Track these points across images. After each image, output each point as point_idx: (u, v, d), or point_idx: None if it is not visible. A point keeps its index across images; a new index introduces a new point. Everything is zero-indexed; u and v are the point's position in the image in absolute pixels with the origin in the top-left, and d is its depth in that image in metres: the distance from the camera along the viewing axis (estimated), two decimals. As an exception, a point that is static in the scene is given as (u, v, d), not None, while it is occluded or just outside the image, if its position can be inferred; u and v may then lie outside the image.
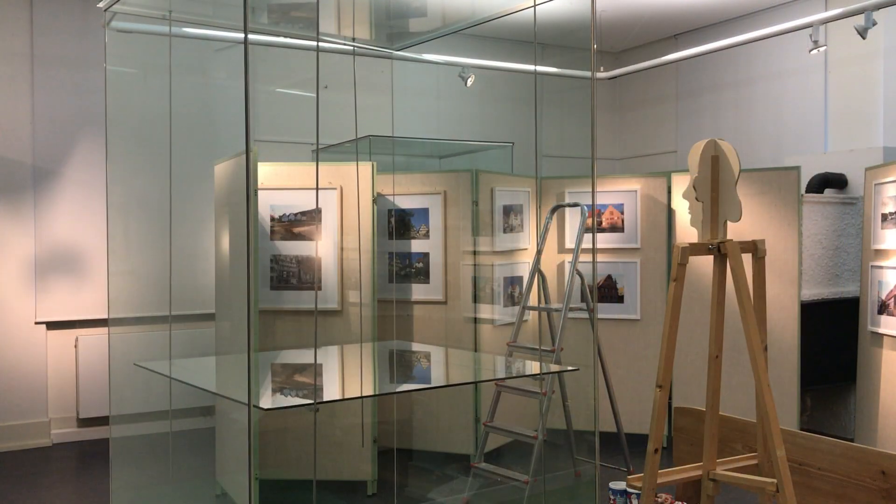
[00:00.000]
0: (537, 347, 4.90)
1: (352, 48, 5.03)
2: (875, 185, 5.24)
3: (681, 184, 5.66)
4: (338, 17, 4.95)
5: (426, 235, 5.44)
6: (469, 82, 7.39)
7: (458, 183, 5.44)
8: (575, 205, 5.68)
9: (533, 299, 5.21)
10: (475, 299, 5.44)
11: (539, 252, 5.16)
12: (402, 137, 5.92)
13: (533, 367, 4.73)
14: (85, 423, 6.27)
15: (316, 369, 3.86)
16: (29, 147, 6.22)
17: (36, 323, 6.17)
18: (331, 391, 3.70)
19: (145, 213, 5.70)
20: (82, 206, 6.33)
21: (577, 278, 5.12)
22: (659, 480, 2.59)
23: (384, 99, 6.79)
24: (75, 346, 6.23)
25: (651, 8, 7.49)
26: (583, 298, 5.20)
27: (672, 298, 2.59)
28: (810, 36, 6.26)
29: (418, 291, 5.47)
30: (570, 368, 4.16)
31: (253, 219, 4.56)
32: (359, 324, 4.95)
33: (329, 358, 4.35)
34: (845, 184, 6.51)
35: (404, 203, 5.49)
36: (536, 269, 5.07)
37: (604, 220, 5.94)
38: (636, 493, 3.08)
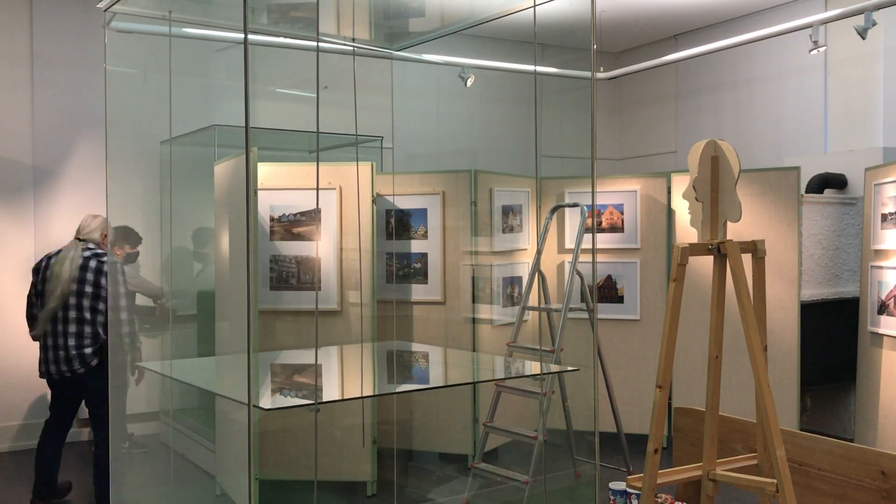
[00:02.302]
0: (537, 348, 4.89)
1: (352, 48, 5.03)
2: (875, 185, 5.24)
3: (681, 184, 5.66)
4: (337, 18, 4.95)
5: (424, 236, 5.44)
6: (469, 82, 7.39)
7: (456, 183, 5.43)
8: (574, 205, 5.68)
9: (533, 299, 5.21)
10: (474, 299, 5.44)
11: (539, 252, 5.16)
12: (254, 128, 5.71)
13: (533, 367, 4.73)
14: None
15: (316, 369, 3.86)
16: (29, 147, 6.22)
17: (36, 323, 6.17)
18: (331, 391, 3.70)
19: (145, 213, 5.70)
20: (82, 206, 6.33)
21: (577, 278, 5.12)
22: (659, 480, 2.59)
23: (384, 99, 6.79)
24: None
25: (651, 8, 7.49)
26: (583, 298, 5.20)
27: (672, 298, 2.59)
28: (810, 36, 6.26)
29: (417, 292, 5.47)
30: (570, 368, 4.16)
31: (253, 219, 4.56)
32: (358, 324, 4.95)
33: (329, 358, 4.35)
34: (845, 184, 6.51)
35: (403, 203, 5.49)
36: (536, 270, 5.07)
37: (604, 220, 5.94)
38: (636, 494, 3.08)
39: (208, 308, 5.44)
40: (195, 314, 5.81)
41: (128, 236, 5.66)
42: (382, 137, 6.67)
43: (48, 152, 6.27)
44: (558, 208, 5.49)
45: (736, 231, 2.64)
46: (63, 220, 6.30)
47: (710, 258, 2.65)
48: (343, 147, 6.60)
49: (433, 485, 5.28)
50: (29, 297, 4.81)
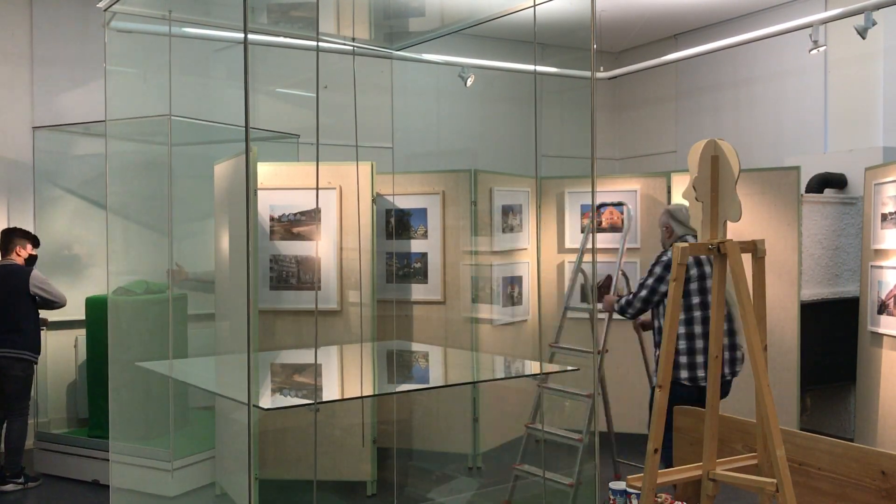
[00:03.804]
0: (580, 349, 4.77)
1: (352, 48, 5.03)
2: (875, 185, 5.24)
3: (680, 184, 5.66)
4: (337, 17, 4.96)
5: (424, 235, 5.44)
6: (469, 82, 7.39)
7: (456, 183, 5.44)
8: (620, 204, 5.60)
9: (535, 304, 5.19)
10: (474, 299, 5.44)
11: (582, 252, 5.12)
12: (179, 116, 5.33)
13: (532, 367, 4.72)
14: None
15: (316, 369, 3.86)
16: (29, 147, 6.22)
17: (35, 323, 6.17)
18: (331, 391, 3.70)
19: (145, 213, 5.70)
20: (82, 206, 6.33)
21: (623, 278, 5.09)
22: (659, 480, 2.59)
23: (384, 99, 6.79)
24: (75, 346, 6.23)
25: (651, 8, 7.49)
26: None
27: (672, 298, 2.59)
28: (810, 36, 6.26)
29: (417, 291, 5.47)
30: (569, 368, 4.16)
31: (253, 219, 4.56)
32: (358, 324, 4.95)
33: (329, 358, 4.35)
34: (845, 184, 6.51)
35: (403, 203, 5.49)
36: (578, 269, 5.01)
37: (604, 220, 5.94)
38: (636, 493, 3.08)
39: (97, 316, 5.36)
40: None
41: (28, 237, 5.51)
42: (299, 136, 6.45)
43: (48, 152, 6.27)
44: (604, 206, 5.37)
45: (736, 231, 2.64)
46: (63, 220, 6.30)
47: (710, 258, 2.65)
48: (251, 141, 6.36)
49: (433, 485, 5.27)
50: None
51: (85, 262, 6.30)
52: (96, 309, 5.54)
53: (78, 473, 5.42)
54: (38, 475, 5.42)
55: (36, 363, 5.39)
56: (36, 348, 5.37)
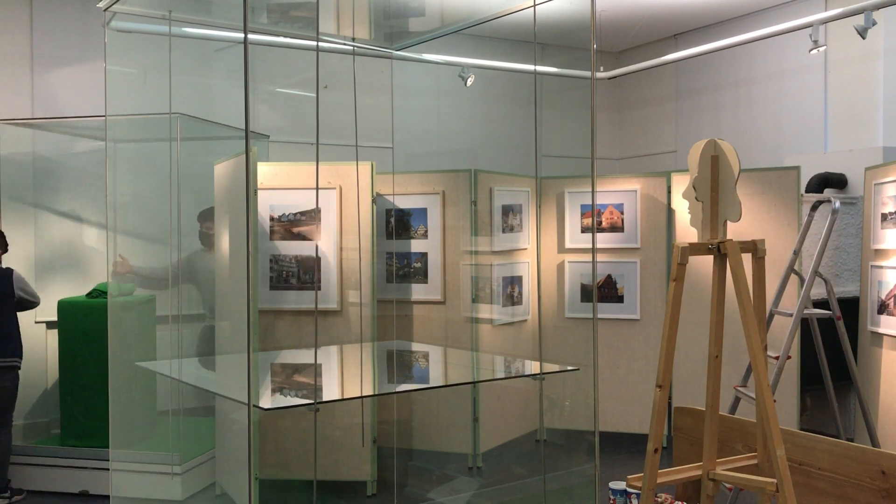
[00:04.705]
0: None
1: (352, 48, 5.03)
2: (875, 184, 5.24)
3: (680, 184, 5.66)
4: (337, 17, 4.95)
5: (424, 235, 5.44)
6: (469, 82, 7.39)
7: (456, 183, 5.44)
8: (828, 200, 5.30)
9: (535, 304, 5.18)
10: (474, 299, 5.44)
11: (795, 253, 4.84)
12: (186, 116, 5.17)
13: (533, 367, 4.72)
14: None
15: (316, 369, 3.86)
16: (29, 147, 6.22)
17: (36, 322, 6.16)
18: (331, 391, 3.70)
19: (145, 213, 5.69)
20: (82, 206, 6.33)
21: (821, 280, 4.90)
22: (659, 480, 2.59)
23: (384, 99, 6.79)
24: (75, 346, 6.23)
25: (651, 8, 7.49)
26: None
27: (672, 298, 2.59)
28: (810, 36, 6.26)
29: (417, 291, 5.47)
30: (569, 368, 4.16)
31: (253, 219, 4.56)
32: (358, 324, 4.95)
33: (329, 358, 4.35)
34: (845, 184, 6.51)
35: (403, 203, 5.49)
36: (791, 270, 4.75)
37: (604, 219, 5.94)
38: (636, 493, 3.08)
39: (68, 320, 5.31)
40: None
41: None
42: (269, 136, 6.37)
43: (48, 152, 6.27)
44: (819, 204, 5.16)
45: (736, 231, 2.65)
46: (63, 219, 6.30)
47: (710, 258, 2.65)
48: (237, 141, 6.08)
49: (433, 485, 5.27)
50: None
51: (63, 262, 6.26)
52: (68, 312, 5.40)
53: (58, 486, 5.21)
54: (21, 490, 5.20)
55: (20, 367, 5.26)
56: (21, 352, 5.22)
